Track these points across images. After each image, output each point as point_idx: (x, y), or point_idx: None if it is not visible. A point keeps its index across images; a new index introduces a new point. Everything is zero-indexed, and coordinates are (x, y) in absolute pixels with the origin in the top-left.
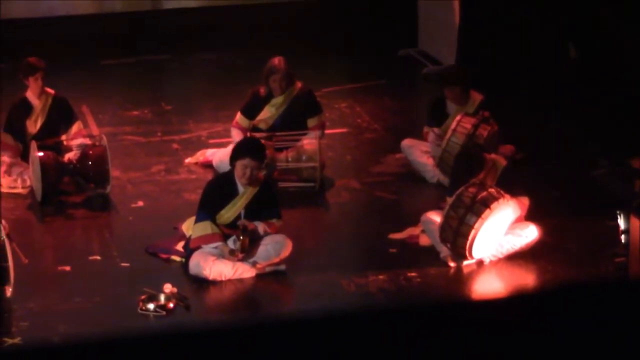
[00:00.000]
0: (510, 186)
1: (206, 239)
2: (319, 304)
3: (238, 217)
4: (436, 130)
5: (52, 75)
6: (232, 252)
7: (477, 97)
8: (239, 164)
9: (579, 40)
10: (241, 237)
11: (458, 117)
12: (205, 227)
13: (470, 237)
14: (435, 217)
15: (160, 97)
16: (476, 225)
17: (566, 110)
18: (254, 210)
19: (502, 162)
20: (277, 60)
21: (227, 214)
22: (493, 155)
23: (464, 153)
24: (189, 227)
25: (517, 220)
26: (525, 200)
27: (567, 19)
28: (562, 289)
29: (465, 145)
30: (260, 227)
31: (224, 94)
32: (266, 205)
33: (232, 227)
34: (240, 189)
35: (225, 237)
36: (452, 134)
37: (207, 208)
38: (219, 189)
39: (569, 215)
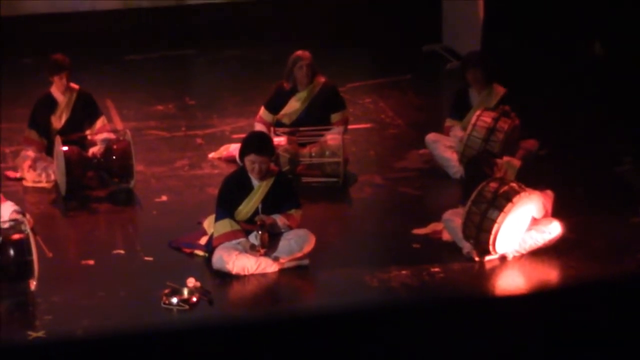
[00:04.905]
0: (534, 180)
1: (227, 237)
2: (342, 299)
3: (256, 212)
4: (459, 132)
5: (76, 70)
6: (253, 247)
7: (499, 90)
8: (247, 160)
9: (605, 36)
10: (260, 233)
11: (478, 112)
12: (225, 225)
13: (493, 232)
14: (456, 216)
15: (185, 92)
16: (499, 220)
17: (591, 106)
18: (272, 204)
19: (516, 163)
20: (301, 51)
21: (245, 209)
22: (506, 158)
23: (473, 161)
24: (210, 225)
25: (544, 216)
26: (550, 193)
27: (593, 15)
28: (586, 285)
29: (479, 149)
30: (280, 220)
31: (248, 89)
32: (283, 197)
33: (251, 222)
34: (255, 183)
35: (246, 233)
36: (472, 128)
37: (225, 205)
38: (235, 186)
39: (593, 211)
